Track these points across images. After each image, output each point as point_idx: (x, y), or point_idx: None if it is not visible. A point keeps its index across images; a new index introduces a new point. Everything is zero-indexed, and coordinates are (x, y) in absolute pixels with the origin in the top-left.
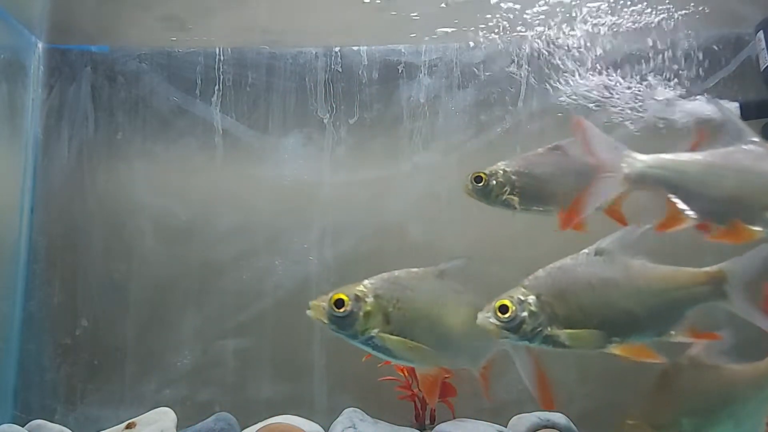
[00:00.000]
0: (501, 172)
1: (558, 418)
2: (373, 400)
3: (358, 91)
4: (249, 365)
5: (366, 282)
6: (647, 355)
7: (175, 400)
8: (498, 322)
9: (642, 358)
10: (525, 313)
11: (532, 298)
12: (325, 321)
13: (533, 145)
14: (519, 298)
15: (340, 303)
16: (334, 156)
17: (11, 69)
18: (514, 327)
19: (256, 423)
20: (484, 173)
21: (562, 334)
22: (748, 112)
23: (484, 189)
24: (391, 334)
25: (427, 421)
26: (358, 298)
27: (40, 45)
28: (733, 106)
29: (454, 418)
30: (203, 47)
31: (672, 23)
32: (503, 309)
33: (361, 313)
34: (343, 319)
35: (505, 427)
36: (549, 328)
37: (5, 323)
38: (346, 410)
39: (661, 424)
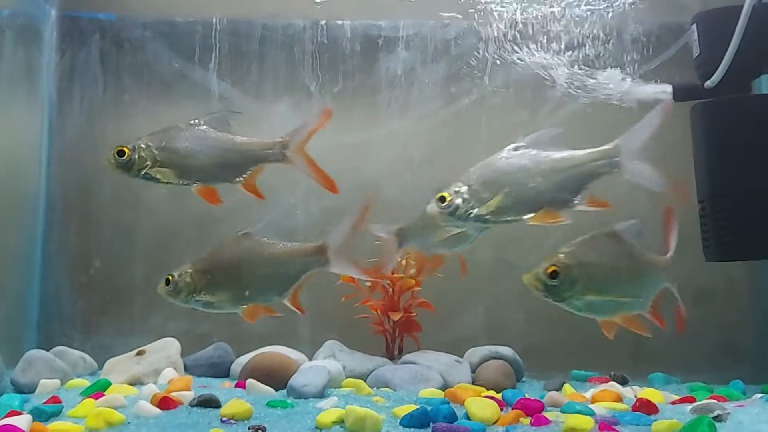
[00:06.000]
0: (143, 146)
1: (505, 350)
2: (351, 334)
3: (341, 61)
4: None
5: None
6: (554, 217)
7: (178, 332)
8: (440, 209)
9: (549, 221)
10: (459, 200)
11: (464, 188)
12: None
13: (497, 115)
14: (454, 190)
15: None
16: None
17: (27, 34)
18: (452, 212)
19: (249, 352)
20: (127, 147)
21: (487, 210)
22: (679, 95)
23: (126, 163)
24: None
25: (396, 352)
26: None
27: (53, 12)
28: (667, 89)
29: (419, 350)
30: (202, 17)
31: (622, 9)
32: (442, 199)
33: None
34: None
35: (461, 357)
36: (477, 210)
37: (28, 263)
38: (327, 342)
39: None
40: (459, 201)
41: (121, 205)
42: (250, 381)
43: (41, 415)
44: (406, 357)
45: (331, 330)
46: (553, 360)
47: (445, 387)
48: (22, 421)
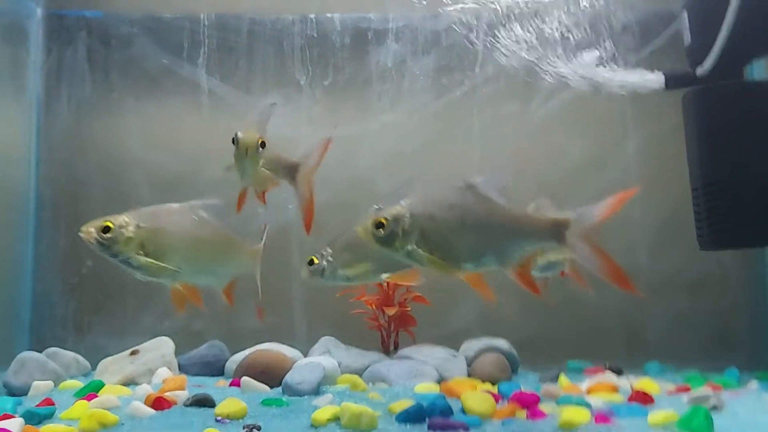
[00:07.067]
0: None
1: (501, 343)
2: (346, 330)
3: (331, 55)
4: (237, 301)
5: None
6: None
7: (172, 331)
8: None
9: (405, 282)
10: (325, 263)
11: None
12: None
13: (488, 106)
14: (321, 253)
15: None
16: (310, 115)
17: (13, 33)
18: (320, 273)
19: (243, 349)
20: None
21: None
22: (671, 82)
23: None
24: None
25: (392, 347)
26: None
27: (38, 11)
28: (659, 76)
29: (415, 344)
30: (188, 13)
31: None
32: (311, 262)
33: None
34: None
35: (457, 350)
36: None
37: (19, 265)
38: (322, 338)
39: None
40: (325, 263)
41: (111, 205)
42: (245, 379)
43: (33, 418)
44: (402, 352)
45: (326, 326)
46: (549, 351)
47: (440, 381)
48: (14, 424)
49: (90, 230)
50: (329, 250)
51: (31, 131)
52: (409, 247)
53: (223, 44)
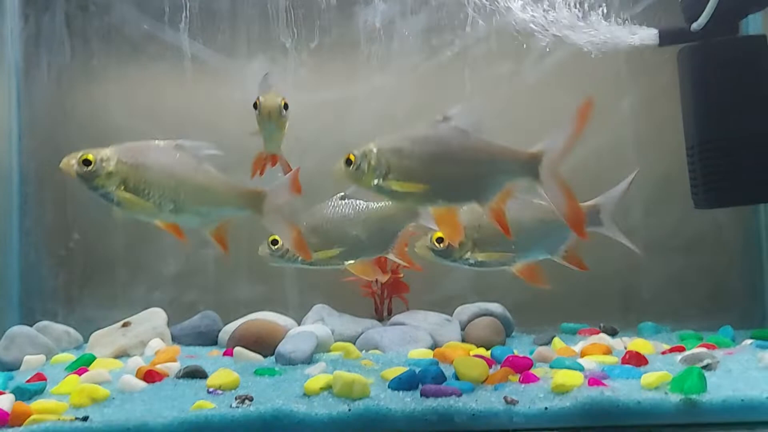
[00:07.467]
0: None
1: (495, 307)
2: (339, 297)
3: (317, 16)
4: (228, 270)
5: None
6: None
7: (163, 302)
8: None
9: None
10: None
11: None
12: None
13: (480, 67)
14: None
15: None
16: (297, 78)
17: None
18: (280, 256)
19: (236, 319)
20: None
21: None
22: (665, 39)
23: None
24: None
25: (385, 314)
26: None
27: None
28: (653, 33)
29: (408, 310)
30: None
31: None
32: (274, 242)
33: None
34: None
35: (451, 315)
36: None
37: (5, 239)
38: (315, 306)
39: None
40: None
41: None
42: (238, 349)
43: (24, 394)
44: (395, 318)
45: (319, 294)
46: (543, 314)
47: (434, 347)
48: (4, 400)
49: (71, 162)
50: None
51: (11, 102)
52: (376, 182)
53: (206, 7)
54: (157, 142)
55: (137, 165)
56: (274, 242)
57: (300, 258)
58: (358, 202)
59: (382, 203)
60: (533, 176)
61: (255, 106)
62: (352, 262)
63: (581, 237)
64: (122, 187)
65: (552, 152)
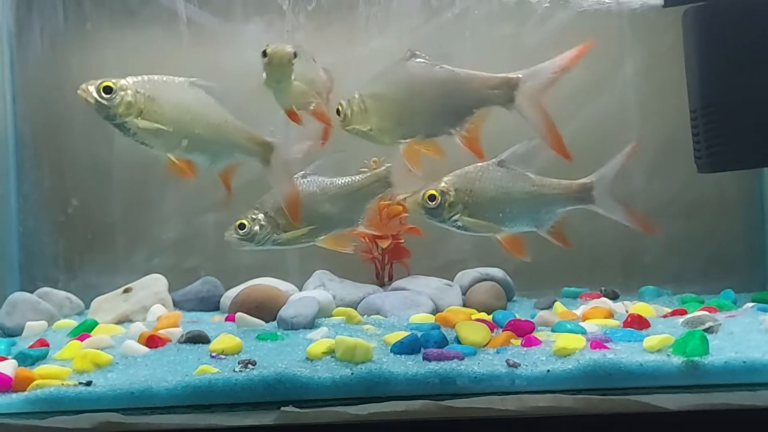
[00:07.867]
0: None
1: (496, 272)
2: (340, 263)
3: None
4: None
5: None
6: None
7: (164, 268)
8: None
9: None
10: (257, 227)
11: (261, 216)
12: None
13: (482, 28)
14: (251, 217)
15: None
16: (294, 41)
17: None
18: (249, 238)
19: (237, 285)
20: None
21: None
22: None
23: None
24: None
25: (386, 279)
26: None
27: None
28: None
29: (409, 275)
30: None
31: None
32: (242, 226)
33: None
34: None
35: (452, 281)
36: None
37: (3, 205)
38: (316, 272)
39: None
40: (257, 228)
41: (95, 141)
42: (240, 314)
43: (26, 360)
44: (397, 283)
45: (319, 260)
46: (544, 278)
47: (436, 311)
48: (7, 366)
49: (89, 89)
50: (260, 216)
51: (4, 66)
52: (354, 126)
53: None
54: (172, 77)
55: (154, 97)
56: (242, 226)
57: (269, 240)
58: (321, 178)
59: (347, 178)
60: (508, 101)
61: (264, 53)
62: (322, 238)
63: (565, 158)
64: (139, 118)
65: (532, 79)
